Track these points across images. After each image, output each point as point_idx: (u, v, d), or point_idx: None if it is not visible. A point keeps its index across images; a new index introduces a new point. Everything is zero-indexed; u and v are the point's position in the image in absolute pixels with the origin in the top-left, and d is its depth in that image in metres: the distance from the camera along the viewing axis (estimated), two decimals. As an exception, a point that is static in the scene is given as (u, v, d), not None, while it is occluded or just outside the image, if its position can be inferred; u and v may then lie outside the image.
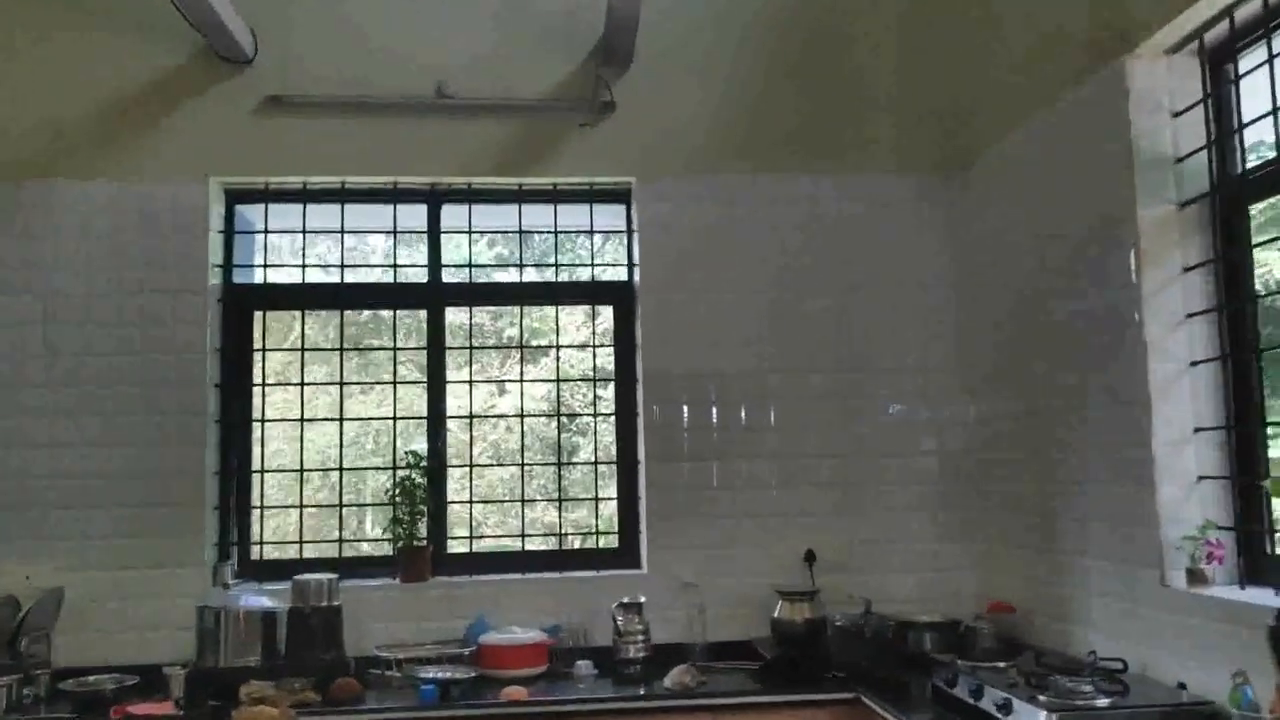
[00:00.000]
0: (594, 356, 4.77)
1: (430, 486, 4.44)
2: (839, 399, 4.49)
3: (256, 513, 4.50)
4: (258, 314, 4.58)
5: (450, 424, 4.60)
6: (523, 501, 4.57)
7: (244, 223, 4.64)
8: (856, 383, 4.50)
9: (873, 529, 4.43)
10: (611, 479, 4.63)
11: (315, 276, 4.69)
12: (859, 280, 4.55)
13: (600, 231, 4.77)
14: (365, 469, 4.87)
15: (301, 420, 4.57)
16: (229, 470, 4.43)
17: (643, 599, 4.12)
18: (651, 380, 4.46)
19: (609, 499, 4.64)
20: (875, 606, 4.08)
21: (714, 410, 4.45)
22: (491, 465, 5.06)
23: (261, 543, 4.50)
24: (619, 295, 4.69)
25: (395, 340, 4.62)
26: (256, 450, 4.52)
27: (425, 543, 4.36)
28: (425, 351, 4.61)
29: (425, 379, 4.57)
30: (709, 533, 4.38)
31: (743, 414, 4.45)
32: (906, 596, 4.36)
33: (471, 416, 4.64)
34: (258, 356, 4.56)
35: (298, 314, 4.65)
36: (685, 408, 4.45)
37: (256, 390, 4.54)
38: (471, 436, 4.59)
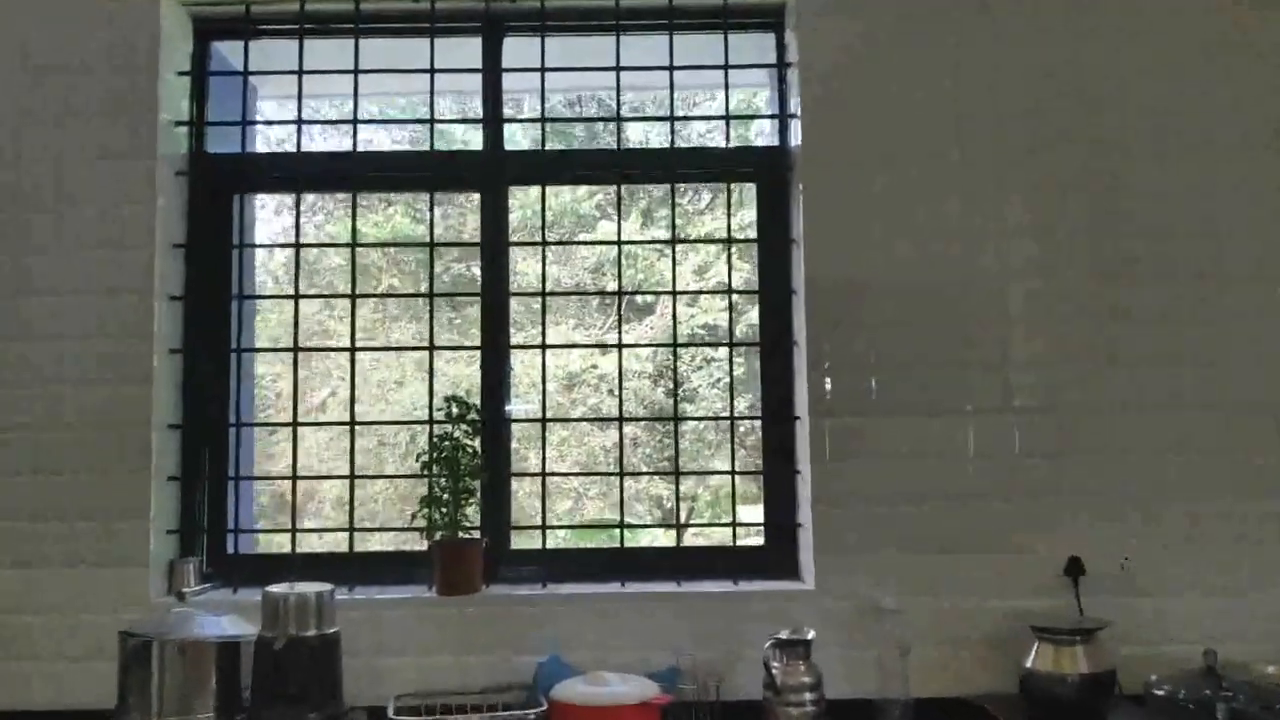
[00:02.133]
0: (728, 259, 3.11)
1: (486, 451, 2.89)
2: (1141, 323, 2.81)
3: (236, 485, 3.00)
4: (237, 197, 3.08)
5: (517, 364, 3.06)
6: (621, 474, 2.95)
7: (218, 64, 3.13)
8: (1176, 296, 2.81)
9: (1190, 528, 2.75)
10: (753, 448, 3.04)
11: (318, 145, 3.14)
12: (1168, 140, 2.85)
13: (740, 67, 3.10)
14: (385, 424, 3.33)
15: (295, 350, 3.06)
16: (196, 423, 2.94)
17: (810, 634, 2.52)
18: (820, 295, 2.83)
19: (751, 472, 3.04)
20: (1222, 658, 2.41)
21: (920, 340, 2.81)
22: (577, 420, 3.48)
23: (237, 531, 3.00)
24: (767, 167, 3.06)
25: (432, 232, 3.06)
26: (235, 394, 3.02)
27: (478, 535, 2.82)
28: (479, 250, 3.05)
29: (479, 293, 3.01)
30: (911, 528, 2.75)
31: (969, 345, 2.80)
32: (1264, 646, 2.66)
33: (545, 347, 3.03)
34: (238, 257, 3.06)
35: (293, 198, 3.13)
36: (873, 337, 2.81)
37: (235, 307, 3.04)
38: (545, 377, 3.02)
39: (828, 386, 2.79)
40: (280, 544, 3.02)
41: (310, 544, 3.49)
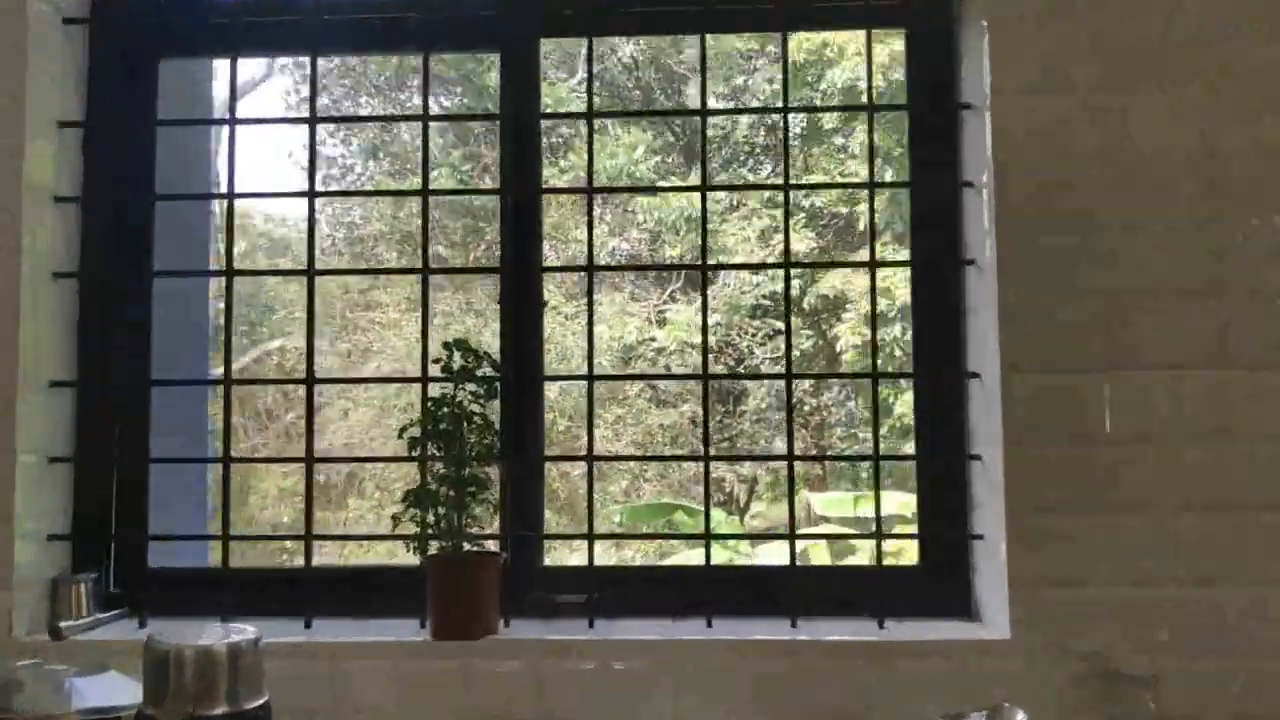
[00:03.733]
0: (869, 128, 2.02)
1: (508, 426, 1.91)
2: None
3: (158, 471, 2.04)
4: (164, 63, 2.12)
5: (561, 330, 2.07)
6: (705, 459, 1.94)
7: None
8: None
9: None
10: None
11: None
12: None
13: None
14: (348, 381, 2.36)
15: (229, 274, 2.09)
16: (94, 380, 2.00)
17: (1020, 717, 1.50)
18: (1014, 185, 1.79)
19: (900, 457, 2.01)
20: None
21: (1176, 249, 1.76)
22: (647, 377, 2.49)
23: (161, 538, 2.04)
24: (918, 15, 2.00)
25: (426, 104, 2.06)
26: (149, 336, 2.06)
27: (494, 549, 1.85)
28: (499, 138, 2.05)
29: (499, 193, 2.02)
30: (1169, 546, 1.71)
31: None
32: None
33: (591, 267, 2.03)
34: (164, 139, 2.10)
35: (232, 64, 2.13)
36: (1101, 246, 1.77)
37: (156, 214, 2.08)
38: (591, 342, 2.00)
39: (1028, 324, 1.76)
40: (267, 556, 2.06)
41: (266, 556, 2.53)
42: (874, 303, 1.94)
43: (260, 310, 11.89)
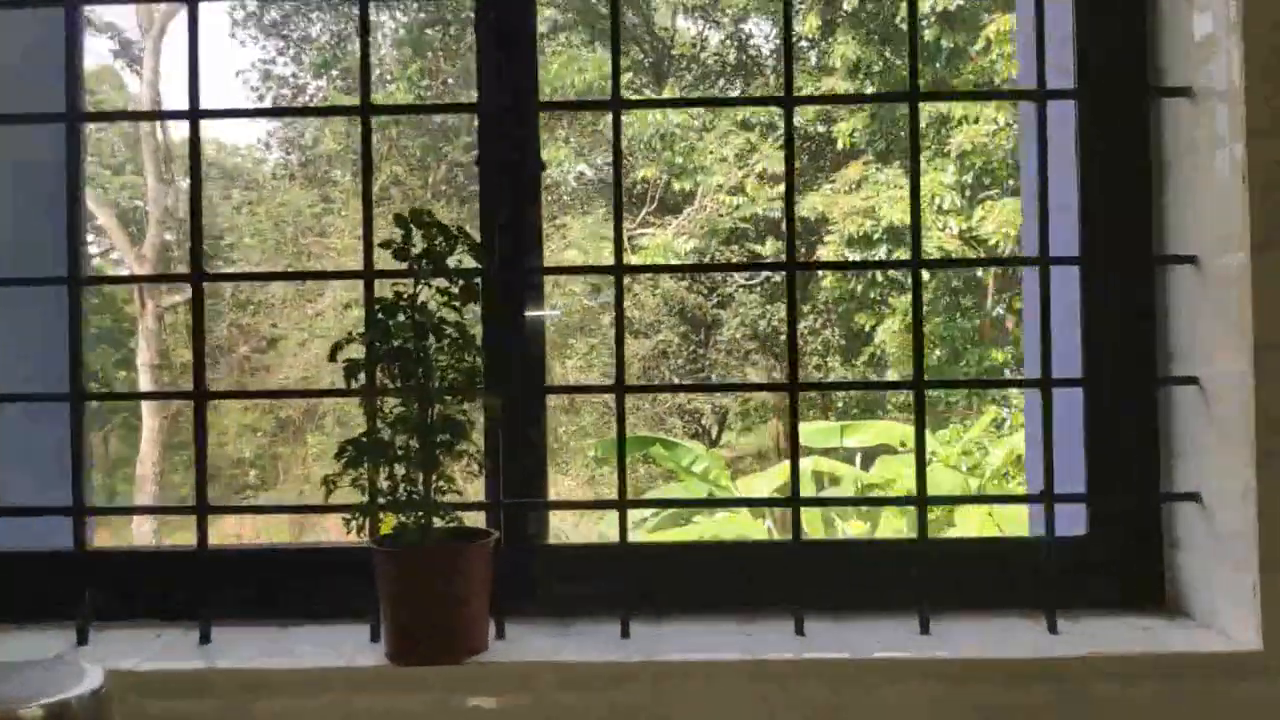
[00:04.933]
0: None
1: (497, 354, 1.25)
2: None
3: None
4: None
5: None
6: (792, 388, 1.30)
7: None
8: None
9: None
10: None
11: None
12: None
13: None
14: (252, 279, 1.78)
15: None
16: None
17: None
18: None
19: (1020, 383, 1.38)
20: None
21: None
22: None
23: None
24: None
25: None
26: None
27: (482, 530, 1.20)
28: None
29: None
30: None
31: None
32: None
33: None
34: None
35: None
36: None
37: None
38: (620, 247, 1.35)
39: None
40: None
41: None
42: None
43: (209, 243, 11.07)
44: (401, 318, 1.15)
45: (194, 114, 1.29)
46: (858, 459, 7.11)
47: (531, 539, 1.29)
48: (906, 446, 6.86)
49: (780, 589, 1.23)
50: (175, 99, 11.29)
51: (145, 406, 9.27)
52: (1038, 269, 1.23)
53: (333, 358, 1.15)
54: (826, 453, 7.07)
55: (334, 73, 9.44)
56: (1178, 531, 1.26)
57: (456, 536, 1.18)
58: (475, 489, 1.26)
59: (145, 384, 9.65)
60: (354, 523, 1.16)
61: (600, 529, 7.38)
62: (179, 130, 11.70)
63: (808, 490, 6.58)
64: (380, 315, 1.15)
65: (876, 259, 7.68)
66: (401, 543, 1.16)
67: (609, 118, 1.39)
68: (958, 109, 7.85)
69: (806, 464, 6.64)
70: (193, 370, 1.26)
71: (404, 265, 1.16)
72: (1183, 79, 1.24)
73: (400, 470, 1.15)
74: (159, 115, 1.65)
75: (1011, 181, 7.81)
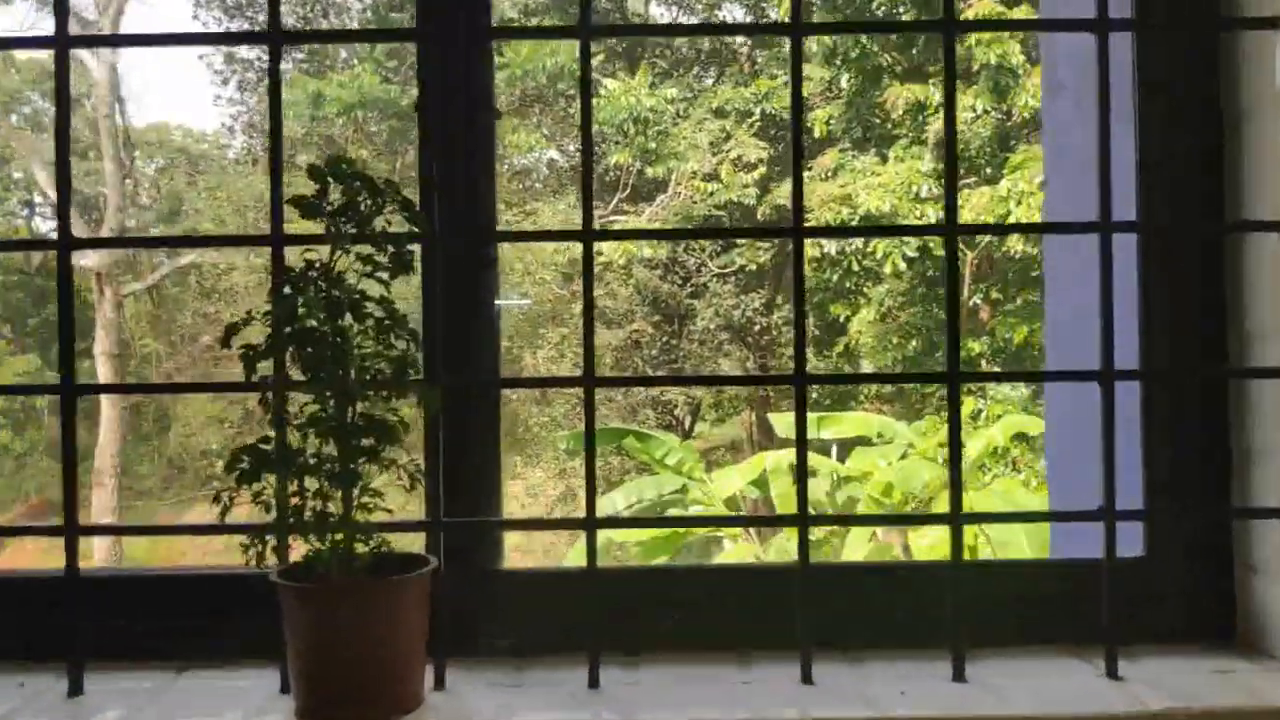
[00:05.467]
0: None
1: (431, 322, 1.01)
2: None
3: None
4: None
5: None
6: (800, 380, 1.10)
7: None
8: None
9: None
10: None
11: None
12: None
13: None
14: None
15: None
16: None
17: None
18: None
19: (1115, 374, 1.15)
20: None
21: None
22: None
23: None
24: None
25: None
26: None
27: (421, 552, 0.96)
28: None
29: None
30: None
31: None
32: None
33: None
34: None
35: None
36: None
37: None
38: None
39: None
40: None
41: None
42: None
43: (169, 219, 10.74)
44: (312, 291, 0.90)
45: (62, 42, 1.04)
46: (834, 450, 6.92)
47: (480, 565, 1.05)
48: (883, 438, 6.66)
49: (784, 623, 1.00)
50: (135, 79, 10.92)
51: (104, 396, 8.92)
52: (1095, 237, 1.00)
53: (226, 343, 0.91)
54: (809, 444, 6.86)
55: (298, 54, 9.10)
56: (1255, 553, 1.04)
57: (384, 565, 0.94)
58: (413, 505, 1.02)
59: (104, 374, 9.29)
60: (253, 550, 0.91)
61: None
62: (141, 116, 11.36)
63: (782, 483, 6.38)
64: (287, 290, 0.90)
65: (855, 245, 7.47)
66: (315, 574, 0.92)
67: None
68: (935, 96, 7.66)
69: (781, 456, 6.44)
70: (59, 360, 1.01)
71: (323, 228, 0.92)
72: (1269, 5, 1.01)
73: (310, 485, 0.91)
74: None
75: (989, 170, 7.63)
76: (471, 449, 1.03)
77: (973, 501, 6.06)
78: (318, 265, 0.90)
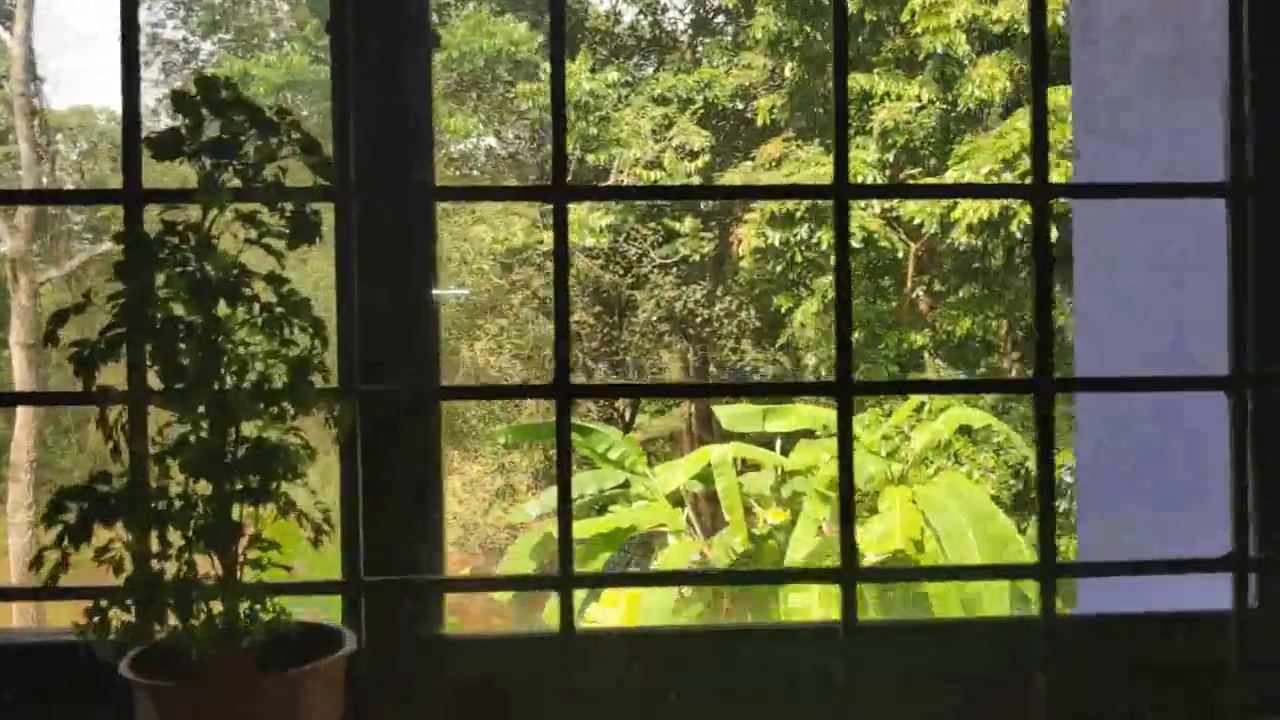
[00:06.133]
0: None
1: (346, 312, 0.73)
2: None
3: None
4: None
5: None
6: (842, 393, 0.86)
7: None
8: None
9: None
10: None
11: None
12: None
13: None
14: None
15: None
16: None
17: None
18: None
19: (1188, 378, 0.91)
20: None
21: None
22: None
23: None
24: None
25: None
26: None
27: (331, 624, 0.68)
28: None
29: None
30: None
31: None
32: None
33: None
34: None
35: None
36: None
37: None
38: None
39: None
40: None
41: None
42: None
43: (100, 218, 10.21)
44: (177, 267, 0.63)
45: None
46: (778, 444, 6.74)
47: (413, 633, 0.78)
48: (827, 430, 6.50)
49: (821, 696, 0.75)
50: (50, 55, 10.38)
51: (17, 382, 8.43)
52: (1227, 202, 0.77)
53: (51, 339, 0.63)
54: (743, 437, 6.68)
55: (225, 34, 8.65)
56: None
57: (282, 644, 0.67)
58: (325, 562, 0.75)
59: (19, 364, 8.77)
60: (91, 628, 0.63)
61: (549, 527, 5.96)
62: (59, 100, 10.81)
63: (727, 478, 6.16)
64: (136, 262, 0.63)
65: (800, 236, 7.29)
66: (182, 660, 0.64)
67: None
68: (880, 85, 7.50)
69: (726, 450, 6.23)
70: None
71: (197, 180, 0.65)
72: None
73: (175, 540, 0.63)
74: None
75: (934, 161, 7.49)
76: (401, 482, 0.76)
77: (918, 494, 5.95)
78: (182, 228, 0.63)
